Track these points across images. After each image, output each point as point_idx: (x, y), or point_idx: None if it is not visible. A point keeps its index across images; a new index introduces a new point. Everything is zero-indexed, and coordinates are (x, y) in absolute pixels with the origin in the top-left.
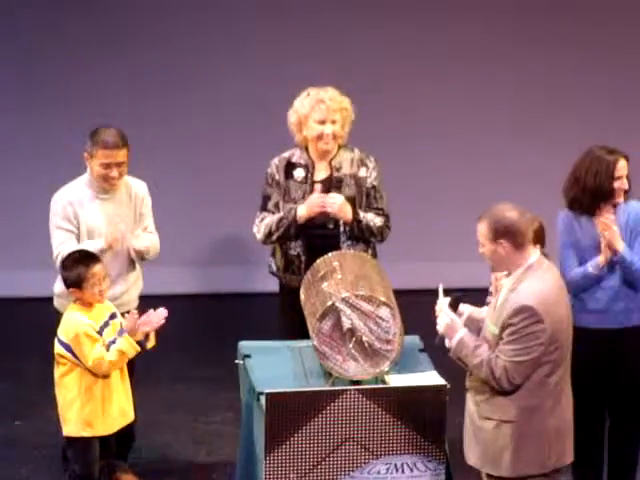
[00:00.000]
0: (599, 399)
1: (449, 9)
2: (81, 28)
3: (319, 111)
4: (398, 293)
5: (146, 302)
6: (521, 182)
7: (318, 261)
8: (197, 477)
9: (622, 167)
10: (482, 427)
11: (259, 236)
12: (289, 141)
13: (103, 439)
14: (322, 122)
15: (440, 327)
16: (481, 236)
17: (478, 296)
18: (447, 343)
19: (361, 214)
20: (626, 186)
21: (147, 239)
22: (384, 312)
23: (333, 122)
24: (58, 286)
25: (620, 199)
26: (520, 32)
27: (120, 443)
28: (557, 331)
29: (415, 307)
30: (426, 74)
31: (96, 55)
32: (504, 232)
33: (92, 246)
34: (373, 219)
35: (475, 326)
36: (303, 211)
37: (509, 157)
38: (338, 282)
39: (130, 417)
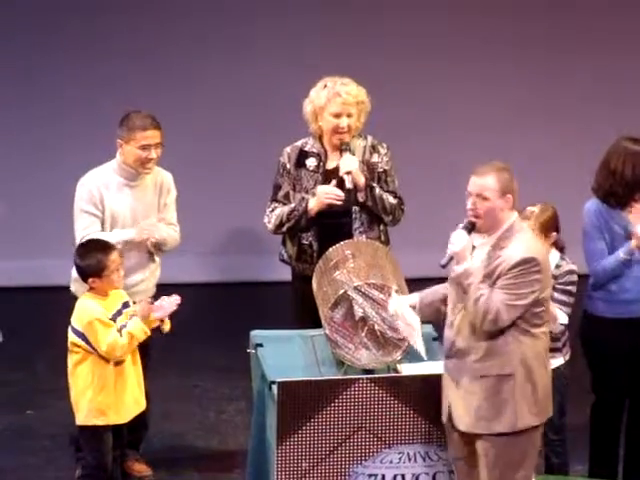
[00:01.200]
0: (622, 391)
1: (449, 6)
2: (90, 25)
3: (335, 105)
4: (410, 282)
5: (161, 290)
6: (526, 173)
7: (330, 249)
8: (209, 466)
9: None
10: (474, 390)
11: (270, 226)
12: (302, 131)
13: (116, 429)
14: (338, 115)
15: (456, 247)
16: (487, 190)
17: None
18: (443, 261)
19: (375, 186)
20: None
21: (165, 230)
22: None
23: (349, 115)
24: (74, 271)
25: None
26: (520, 28)
27: (133, 433)
28: (545, 288)
29: None
30: (428, 69)
31: (110, 50)
32: (511, 188)
33: (122, 236)
34: (387, 197)
35: (435, 306)
36: (314, 203)
37: (516, 150)
38: (350, 271)
39: (142, 405)
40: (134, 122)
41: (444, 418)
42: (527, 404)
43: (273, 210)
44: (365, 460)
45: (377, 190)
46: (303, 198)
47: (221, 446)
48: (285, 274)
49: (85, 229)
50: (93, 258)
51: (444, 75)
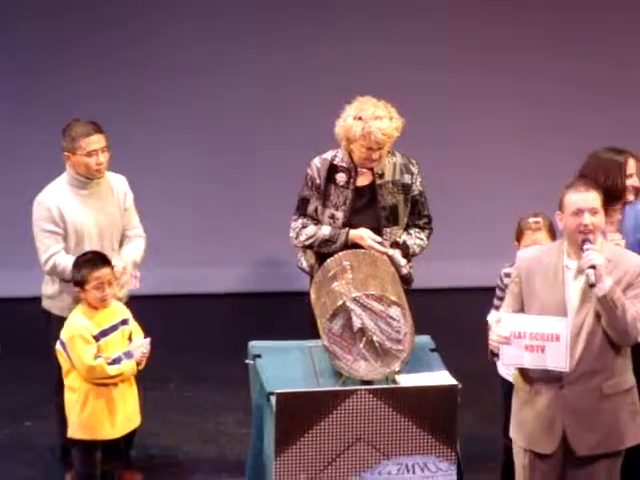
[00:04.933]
0: None
1: (449, 4)
2: (79, 33)
3: (369, 141)
4: (408, 292)
5: (159, 302)
6: (525, 178)
7: (329, 260)
8: (207, 477)
9: (632, 165)
10: (602, 409)
11: (296, 242)
12: (317, 140)
13: (111, 443)
14: (370, 149)
15: (599, 260)
16: (597, 203)
17: (488, 295)
18: (594, 280)
19: (409, 243)
20: (637, 183)
21: (132, 256)
22: (395, 312)
23: (380, 148)
24: (48, 287)
25: (631, 197)
26: (520, 25)
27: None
28: None
29: (426, 306)
30: (427, 69)
31: (99, 61)
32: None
33: None
34: (418, 243)
35: None
36: (353, 236)
37: (515, 154)
38: (349, 281)
39: (135, 423)
40: (76, 131)
41: (549, 449)
42: None
43: (304, 227)
44: (364, 471)
45: (410, 251)
46: (333, 215)
47: (219, 457)
48: (286, 285)
49: (49, 248)
50: (79, 271)
51: (445, 86)
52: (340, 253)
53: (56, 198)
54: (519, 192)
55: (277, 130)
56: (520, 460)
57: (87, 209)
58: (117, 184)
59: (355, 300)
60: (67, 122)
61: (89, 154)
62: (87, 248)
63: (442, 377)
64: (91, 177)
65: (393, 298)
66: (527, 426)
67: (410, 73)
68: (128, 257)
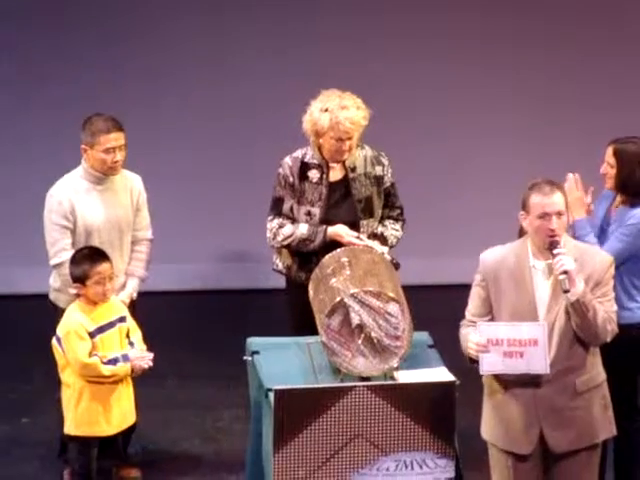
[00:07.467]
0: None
1: (449, 9)
2: (83, 30)
3: (337, 131)
4: (407, 289)
5: (154, 298)
6: (525, 174)
7: (327, 257)
8: (205, 474)
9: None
10: (576, 406)
11: (273, 242)
12: (294, 137)
13: (108, 440)
14: (339, 139)
15: (570, 265)
16: (562, 206)
17: None
18: (568, 286)
19: (386, 235)
20: (605, 171)
21: (132, 285)
22: (393, 308)
23: (349, 138)
24: (55, 280)
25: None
26: (520, 26)
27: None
28: None
29: (424, 303)
30: (426, 64)
31: (97, 56)
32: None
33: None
34: (394, 234)
35: None
36: (331, 233)
37: (514, 150)
38: (347, 278)
39: (131, 420)
40: (96, 126)
41: (528, 450)
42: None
43: (281, 227)
44: (362, 468)
45: (388, 242)
46: (309, 212)
47: (218, 454)
48: (282, 282)
49: (56, 242)
50: (80, 266)
51: (444, 79)
52: (338, 250)
53: (68, 192)
54: (518, 187)
55: (275, 128)
56: (499, 462)
57: (99, 205)
58: (133, 182)
59: (353, 296)
60: (88, 115)
61: (107, 151)
62: (96, 244)
63: (440, 373)
64: (106, 173)
65: (391, 294)
66: (504, 428)
67: (410, 68)
68: (131, 286)
